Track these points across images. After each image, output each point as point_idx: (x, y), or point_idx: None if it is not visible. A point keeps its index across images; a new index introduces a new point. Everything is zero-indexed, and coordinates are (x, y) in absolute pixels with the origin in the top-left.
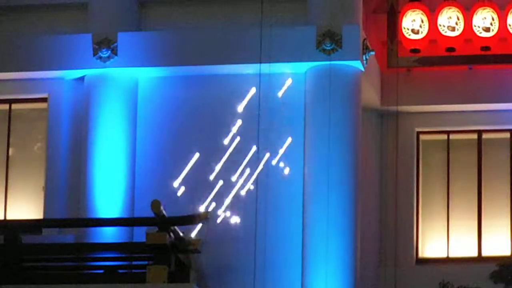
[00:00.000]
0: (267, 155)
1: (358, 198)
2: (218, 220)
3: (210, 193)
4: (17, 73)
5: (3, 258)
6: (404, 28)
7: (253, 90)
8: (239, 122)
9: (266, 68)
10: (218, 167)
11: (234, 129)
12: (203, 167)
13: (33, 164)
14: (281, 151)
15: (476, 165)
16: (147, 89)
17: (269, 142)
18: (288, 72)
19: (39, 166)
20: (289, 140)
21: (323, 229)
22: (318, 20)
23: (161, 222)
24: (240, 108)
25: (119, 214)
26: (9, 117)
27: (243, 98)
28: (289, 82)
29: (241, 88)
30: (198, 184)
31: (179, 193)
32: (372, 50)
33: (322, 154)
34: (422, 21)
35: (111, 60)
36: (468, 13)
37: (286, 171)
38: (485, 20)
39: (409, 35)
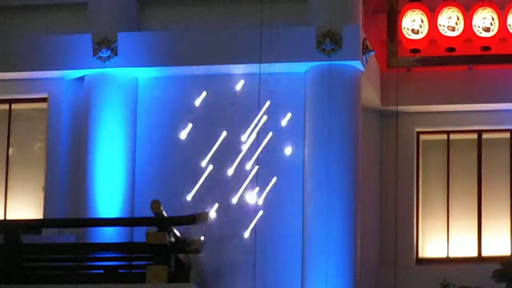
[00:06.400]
0: (268, 154)
1: (358, 198)
2: (219, 219)
3: (210, 193)
4: (17, 73)
5: (3, 258)
6: (404, 28)
7: (253, 90)
8: (238, 122)
9: (266, 68)
10: (218, 167)
11: (234, 129)
12: (203, 166)
13: (33, 164)
14: (281, 151)
15: (476, 165)
16: (147, 89)
17: (269, 141)
18: (288, 72)
19: (39, 166)
20: (289, 139)
21: (323, 229)
22: (318, 20)
23: (161, 222)
24: (239, 107)
25: (119, 214)
26: (9, 117)
27: (242, 98)
28: (288, 82)
29: (241, 88)
30: (199, 184)
31: (179, 192)
32: (372, 50)
33: (322, 153)
34: (422, 21)
35: (111, 60)
36: (468, 13)
37: (286, 170)
38: (485, 20)
39: (409, 35)
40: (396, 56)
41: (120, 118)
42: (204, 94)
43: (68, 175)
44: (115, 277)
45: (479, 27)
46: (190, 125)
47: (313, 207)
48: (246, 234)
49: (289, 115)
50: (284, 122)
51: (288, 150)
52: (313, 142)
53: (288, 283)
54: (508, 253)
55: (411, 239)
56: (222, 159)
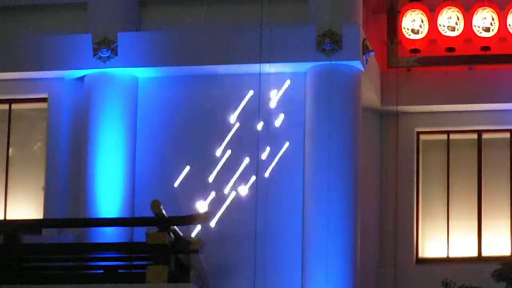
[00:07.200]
0: (268, 154)
1: (358, 198)
2: (219, 220)
3: (210, 193)
4: (17, 73)
5: (3, 258)
6: (404, 28)
7: (253, 90)
8: (239, 122)
9: (266, 68)
10: (218, 167)
11: (234, 129)
12: (204, 166)
13: (33, 164)
14: (281, 151)
15: (476, 165)
16: (147, 89)
17: (269, 141)
18: (288, 72)
19: (39, 166)
20: (289, 139)
21: (323, 229)
22: (318, 20)
23: (161, 222)
24: (240, 108)
25: (119, 214)
26: (9, 117)
27: (243, 98)
28: (288, 82)
29: (241, 88)
30: (199, 184)
31: (179, 193)
32: (372, 50)
33: (322, 154)
34: (422, 21)
35: (111, 60)
36: (468, 13)
37: (286, 171)
38: (485, 20)
39: (409, 35)
40: (396, 56)
41: (120, 118)
42: (204, 94)
43: (68, 175)
44: (115, 277)
45: (479, 27)
46: (190, 125)
47: (313, 207)
48: (246, 234)
49: (289, 115)
50: (284, 122)
51: (288, 150)
52: (313, 142)
53: (288, 283)
54: (508, 253)
55: (411, 239)
56: (220, 155)
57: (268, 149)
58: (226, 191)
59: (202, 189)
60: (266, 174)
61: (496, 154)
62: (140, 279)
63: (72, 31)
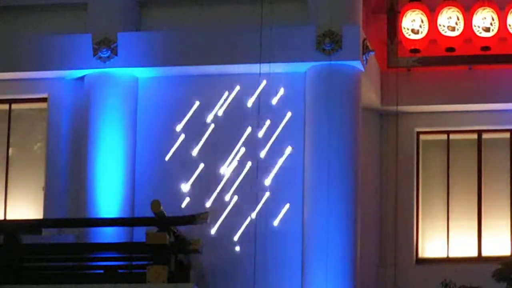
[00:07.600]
0: (268, 154)
1: (358, 198)
2: (219, 220)
3: (210, 192)
4: (17, 73)
5: (3, 258)
6: (404, 28)
7: (253, 90)
8: (239, 122)
9: (266, 68)
10: (218, 167)
11: (234, 128)
12: (203, 167)
13: (33, 164)
14: (281, 151)
15: (476, 165)
16: (147, 89)
17: (269, 141)
18: (288, 72)
19: (39, 166)
20: (289, 139)
21: (323, 229)
22: (318, 20)
23: (161, 222)
24: (240, 107)
25: (119, 214)
26: (9, 117)
27: (243, 98)
28: (288, 82)
29: (241, 88)
30: (198, 184)
31: (179, 193)
32: (372, 50)
33: (322, 154)
34: (422, 21)
35: (111, 60)
36: (468, 13)
37: (286, 170)
38: (485, 20)
39: (409, 35)
40: (396, 56)
41: (120, 118)
42: (203, 94)
43: (68, 175)
44: (115, 277)
45: (479, 27)
46: (190, 125)
47: (313, 207)
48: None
49: (289, 115)
50: (284, 122)
51: (288, 150)
52: (313, 142)
53: (288, 283)
54: (508, 253)
55: (411, 239)
56: (220, 156)
57: (267, 149)
58: (226, 191)
59: (203, 189)
60: (266, 174)
61: (496, 154)
62: (140, 279)
63: (72, 31)
